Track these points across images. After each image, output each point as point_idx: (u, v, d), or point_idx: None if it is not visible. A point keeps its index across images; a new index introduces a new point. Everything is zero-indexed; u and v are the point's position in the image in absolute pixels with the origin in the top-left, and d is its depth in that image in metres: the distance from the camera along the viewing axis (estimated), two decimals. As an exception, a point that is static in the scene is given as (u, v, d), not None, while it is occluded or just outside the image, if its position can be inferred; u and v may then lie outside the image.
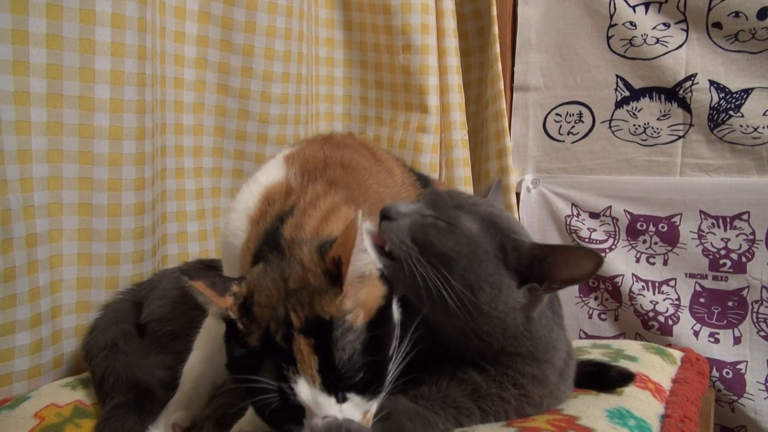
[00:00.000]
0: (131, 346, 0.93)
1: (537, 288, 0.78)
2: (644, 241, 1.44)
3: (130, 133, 1.10)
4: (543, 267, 0.77)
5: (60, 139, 1.05)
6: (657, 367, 1.08)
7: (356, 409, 0.65)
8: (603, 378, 0.97)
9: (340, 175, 0.84)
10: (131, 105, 1.09)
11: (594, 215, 1.50)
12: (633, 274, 1.44)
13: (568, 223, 1.52)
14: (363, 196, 0.82)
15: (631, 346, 1.16)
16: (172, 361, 0.93)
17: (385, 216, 0.78)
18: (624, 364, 1.04)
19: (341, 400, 0.64)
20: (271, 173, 0.85)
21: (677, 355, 1.18)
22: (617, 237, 1.47)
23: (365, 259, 0.69)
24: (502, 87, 1.55)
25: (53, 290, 1.09)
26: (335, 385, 0.63)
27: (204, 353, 0.90)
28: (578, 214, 1.51)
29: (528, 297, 0.78)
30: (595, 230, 1.49)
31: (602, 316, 1.49)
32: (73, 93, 1.04)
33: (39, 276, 1.05)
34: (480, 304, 0.76)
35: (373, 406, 0.68)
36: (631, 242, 1.46)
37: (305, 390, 0.62)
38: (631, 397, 0.93)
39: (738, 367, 1.32)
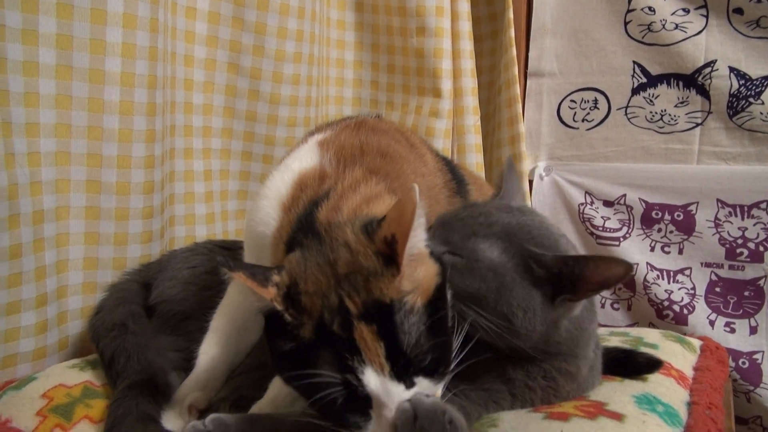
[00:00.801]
0: (141, 326, 0.90)
1: (571, 298, 0.75)
2: (659, 230, 1.42)
3: (140, 109, 1.07)
4: (572, 278, 0.73)
5: (69, 113, 1.01)
6: (678, 354, 1.06)
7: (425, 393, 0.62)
8: (630, 364, 0.95)
9: (379, 163, 0.80)
10: (142, 80, 1.06)
11: (608, 203, 1.48)
12: (648, 263, 1.42)
13: (581, 211, 1.50)
14: (402, 187, 0.78)
15: (651, 334, 1.14)
16: (184, 343, 0.90)
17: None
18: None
19: (410, 386, 0.61)
20: (304, 159, 0.80)
21: (696, 343, 1.16)
22: (632, 225, 1.45)
23: (421, 236, 0.65)
24: (517, 72, 1.53)
25: (59, 270, 1.06)
26: (405, 370, 0.60)
27: (220, 335, 0.88)
28: (592, 202, 1.49)
29: (564, 306, 0.76)
30: (609, 218, 1.47)
31: (615, 306, 1.47)
32: (83, 65, 1.00)
33: (45, 254, 1.02)
34: (516, 328, 0.73)
35: (440, 388, 0.65)
36: (646, 231, 1.44)
37: (374, 379, 0.58)
38: (657, 384, 0.91)
39: (754, 356, 1.30)
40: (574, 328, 0.79)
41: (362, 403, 0.60)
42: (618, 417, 0.77)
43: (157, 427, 0.73)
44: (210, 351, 0.88)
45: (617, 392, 0.85)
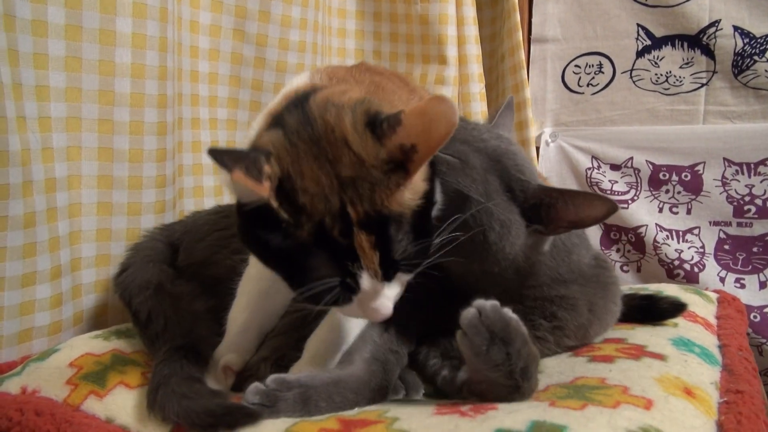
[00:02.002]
0: (178, 288, 0.88)
1: (542, 231, 0.76)
2: (667, 191, 1.44)
3: (152, 72, 1.03)
4: (550, 210, 0.74)
5: (79, 76, 0.98)
6: (699, 305, 1.08)
7: (399, 284, 0.65)
8: (654, 309, 0.95)
9: (373, 91, 0.75)
10: (153, 41, 1.03)
11: (615, 167, 1.49)
12: (656, 224, 1.43)
13: (588, 176, 1.51)
14: None
15: (669, 288, 1.15)
16: (218, 306, 0.88)
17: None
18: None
19: (390, 281, 0.63)
20: (296, 80, 0.78)
21: (713, 295, 1.18)
22: (639, 188, 1.46)
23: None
24: (521, 38, 1.52)
25: (72, 241, 1.03)
26: (393, 274, 0.62)
27: (249, 299, 0.86)
28: (599, 167, 1.50)
29: (534, 238, 0.76)
30: (616, 182, 1.48)
31: (624, 268, 1.49)
32: (93, 26, 0.96)
33: (58, 225, 0.99)
34: (489, 245, 0.73)
35: (411, 277, 0.66)
36: (654, 192, 1.45)
37: (367, 282, 0.61)
38: (687, 329, 0.92)
39: (765, 310, 1.33)
40: (549, 260, 0.79)
41: (346, 299, 0.62)
42: (660, 357, 0.77)
43: (203, 387, 0.71)
44: (240, 315, 0.86)
45: (653, 336, 0.86)
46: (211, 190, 1.32)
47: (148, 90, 1.04)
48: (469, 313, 0.64)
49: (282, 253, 0.61)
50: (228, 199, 1.37)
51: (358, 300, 0.63)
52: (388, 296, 0.64)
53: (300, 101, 0.65)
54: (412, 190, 0.61)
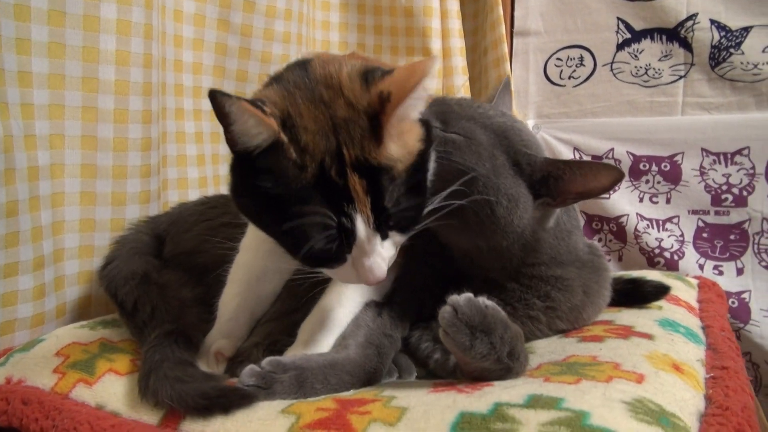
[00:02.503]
0: (165, 278, 0.87)
1: (550, 203, 0.77)
2: (647, 181, 1.46)
3: (137, 60, 1.02)
4: (558, 182, 0.75)
5: (62, 63, 0.96)
6: (682, 290, 1.10)
7: (393, 245, 0.67)
8: (638, 293, 0.97)
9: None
10: (138, 28, 1.01)
11: (597, 158, 1.51)
12: (637, 214, 1.46)
13: (570, 167, 1.52)
14: None
15: (652, 275, 1.17)
16: (206, 295, 0.87)
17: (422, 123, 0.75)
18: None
19: (384, 237, 0.66)
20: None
21: (693, 281, 1.21)
22: (620, 178, 1.49)
23: (418, 108, 0.66)
24: (503, 31, 1.54)
25: (55, 231, 1.01)
26: (384, 225, 0.64)
27: (240, 286, 0.86)
28: (580, 158, 1.52)
29: (541, 211, 0.78)
30: (598, 173, 1.50)
31: (607, 257, 1.51)
32: (77, 11, 0.95)
33: (41, 214, 0.97)
34: (497, 219, 0.74)
35: (405, 238, 0.69)
36: (634, 183, 1.48)
37: (362, 227, 0.62)
38: (671, 311, 0.94)
39: (742, 296, 1.36)
40: (552, 237, 0.81)
41: (342, 250, 0.64)
42: (648, 336, 0.79)
43: (196, 370, 0.71)
44: (231, 301, 0.86)
45: (640, 318, 0.88)
46: (195, 182, 1.30)
47: (133, 77, 1.02)
48: (445, 312, 0.64)
49: (281, 204, 0.62)
50: (213, 190, 1.36)
51: (352, 259, 0.64)
52: (383, 256, 0.66)
53: (303, 62, 0.69)
54: (400, 147, 0.63)
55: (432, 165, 0.71)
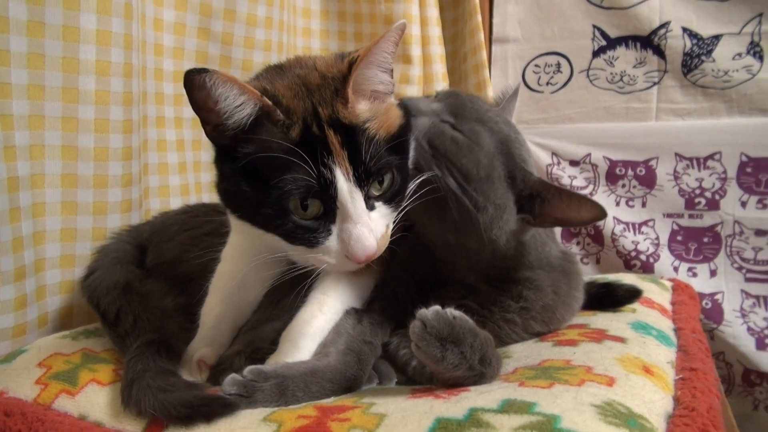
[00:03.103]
0: (147, 287, 0.87)
1: (530, 221, 0.79)
2: (623, 186, 1.50)
3: (117, 69, 1.02)
4: (543, 204, 0.78)
5: (42, 74, 0.96)
6: (656, 292, 1.13)
7: (382, 219, 0.72)
8: (611, 297, 1.00)
9: None
10: (118, 38, 1.02)
11: (574, 163, 1.54)
12: (614, 218, 1.49)
13: (549, 172, 1.55)
14: None
15: (627, 278, 1.20)
16: (188, 304, 0.88)
17: (402, 109, 0.77)
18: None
19: (371, 207, 0.71)
20: None
21: (668, 283, 1.24)
22: (597, 183, 1.52)
23: (381, 78, 0.73)
24: (482, 38, 1.56)
25: (36, 242, 1.01)
26: (366, 178, 0.69)
27: (222, 295, 0.87)
28: (559, 163, 1.55)
29: (518, 226, 0.80)
30: (575, 177, 1.53)
31: (584, 260, 1.54)
32: (56, 22, 0.95)
33: (22, 225, 0.97)
34: (479, 223, 0.76)
35: (391, 221, 0.74)
36: (611, 187, 1.51)
37: (342, 180, 0.67)
38: (644, 314, 0.97)
39: (715, 297, 1.40)
40: (524, 249, 0.83)
41: (327, 218, 0.69)
42: (621, 340, 0.81)
43: (179, 379, 0.71)
44: (214, 310, 0.87)
45: (613, 321, 0.90)
46: (177, 190, 1.31)
47: (114, 87, 1.03)
48: (415, 327, 0.65)
49: (266, 174, 0.67)
50: (195, 198, 1.36)
51: (338, 230, 0.69)
52: (370, 226, 0.69)
53: (277, 63, 0.79)
54: (372, 110, 0.71)
55: (413, 152, 0.78)
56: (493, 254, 0.80)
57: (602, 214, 0.75)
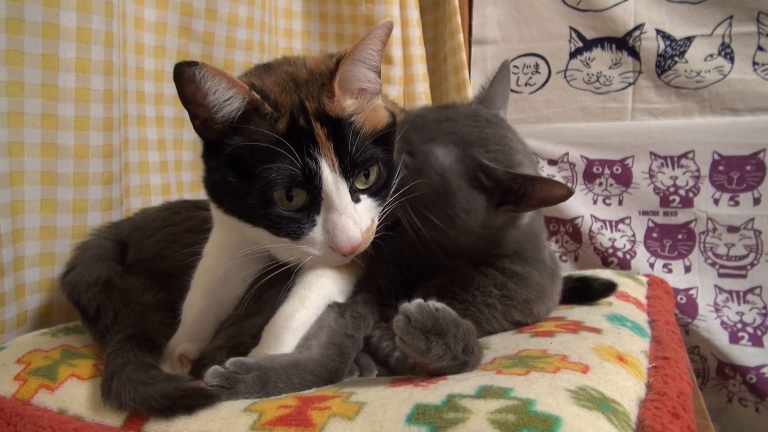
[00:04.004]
0: (127, 283, 0.87)
1: (514, 210, 0.81)
2: (600, 184, 1.53)
3: (97, 67, 1.02)
4: (518, 192, 0.79)
5: (21, 71, 0.96)
6: (631, 287, 1.15)
7: (367, 212, 0.74)
8: (587, 291, 1.02)
9: None
10: (99, 36, 1.02)
11: (553, 162, 1.57)
12: (591, 215, 1.52)
13: (528, 170, 1.57)
14: None
15: (604, 274, 1.22)
16: (169, 300, 0.88)
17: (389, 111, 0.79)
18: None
19: (356, 200, 0.73)
20: None
21: (643, 279, 1.26)
22: (575, 181, 1.55)
23: (367, 76, 0.75)
24: (462, 40, 1.58)
25: (15, 239, 1.00)
26: (351, 169, 0.71)
27: (204, 290, 0.88)
28: (537, 162, 1.57)
29: (507, 215, 0.81)
30: (554, 176, 1.55)
31: (563, 258, 1.57)
32: (35, 19, 0.95)
33: (0, 223, 0.96)
34: (456, 227, 0.79)
35: (377, 215, 0.76)
36: (588, 185, 1.54)
37: (327, 171, 0.69)
38: (620, 307, 0.99)
39: (690, 292, 1.43)
40: (522, 234, 0.85)
41: (312, 209, 0.71)
42: (596, 331, 0.83)
43: (159, 372, 0.72)
44: (195, 305, 0.87)
45: (590, 314, 0.92)
46: (158, 188, 1.31)
47: (94, 85, 1.02)
48: (399, 321, 0.66)
49: (253, 165, 0.68)
50: (176, 197, 1.36)
51: (323, 220, 0.70)
52: (355, 218, 0.70)
53: (265, 62, 0.81)
54: (357, 106, 0.73)
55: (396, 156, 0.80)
56: (487, 243, 0.82)
57: (570, 191, 0.77)
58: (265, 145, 0.67)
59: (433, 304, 0.69)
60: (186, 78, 0.66)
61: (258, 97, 0.69)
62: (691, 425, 0.60)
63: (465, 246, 0.82)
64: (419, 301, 0.68)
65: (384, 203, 0.77)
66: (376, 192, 0.75)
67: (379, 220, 0.77)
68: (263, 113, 0.69)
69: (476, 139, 0.83)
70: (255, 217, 0.71)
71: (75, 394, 0.72)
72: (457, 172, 0.80)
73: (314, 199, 0.70)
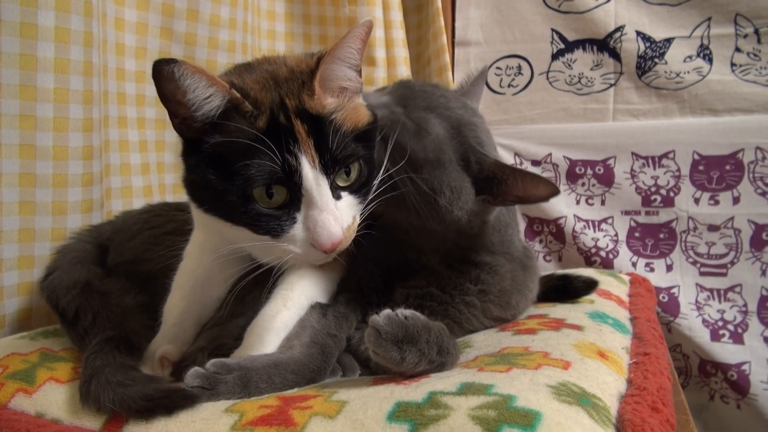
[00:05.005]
0: (107, 286, 0.86)
1: (490, 201, 0.81)
2: (583, 184, 1.54)
3: (77, 68, 1.01)
4: (501, 184, 0.79)
5: (-3, 71, 0.94)
6: (614, 285, 1.16)
7: (348, 209, 0.74)
8: (568, 289, 1.02)
9: None
10: (78, 36, 1.00)
11: (536, 162, 1.58)
12: (575, 215, 1.53)
13: (512, 171, 1.58)
14: None
15: (587, 272, 1.23)
16: (150, 302, 0.87)
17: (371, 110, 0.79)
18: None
19: (337, 197, 0.73)
20: None
21: (626, 277, 1.28)
22: (558, 182, 1.56)
23: (348, 74, 0.75)
24: (445, 41, 1.59)
25: (-8, 242, 0.99)
26: (332, 166, 0.71)
27: (185, 292, 0.87)
28: (521, 163, 1.58)
29: (480, 206, 0.82)
30: (537, 177, 1.56)
31: (547, 258, 1.58)
32: (13, 18, 0.94)
33: (-23, 225, 0.95)
34: (438, 206, 0.78)
35: (358, 213, 0.76)
36: (571, 186, 1.55)
37: (307, 168, 0.69)
38: (602, 305, 1.00)
39: (672, 291, 1.44)
40: (488, 230, 0.85)
41: (292, 206, 0.70)
42: (578, 328, 0.84)
43: (139, 374, 0.71)
44: (176, 306, 0.86)
45: (572, 311, 0.93)
46: (140, 191, 1.29)
47: (73, 85, 1.01)
48: (370, 335, 0.66)
49: (233, 162, 0.68)
50: (159, 199, 1.35)
51: (303, 217, 0.70)
52: (335, 215, 0.70)
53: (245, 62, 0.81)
54: (338, 103, 0.73)
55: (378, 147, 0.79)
56: (457, 234, 0.82)
57: (556, 190, 0.77)
58: (244, 141, 0.67)
59: (402, 312, 0.68)
60: (165, 76, 0.65)
61: (238, 95, 0.68)
62: (670, 419, 0.61)
63: (434, 231, 0.81)
64: (387, 312, 0.68)
65: (366, 201, 0.76)
66: (357, 189, 0.75)
67: (360, 218, 0.77)
68: (243, 111, 0.69)
69: (468, 122, 0.84)
70: (235, 215, 0.70)
71: (53, 397, 0.71)
72: (451, 147, 0.80)
73: (295, 197, 0.70)
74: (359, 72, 0.77)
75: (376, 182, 0.77)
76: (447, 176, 0.78)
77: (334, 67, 0.73)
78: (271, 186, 0.69)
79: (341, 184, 0.73)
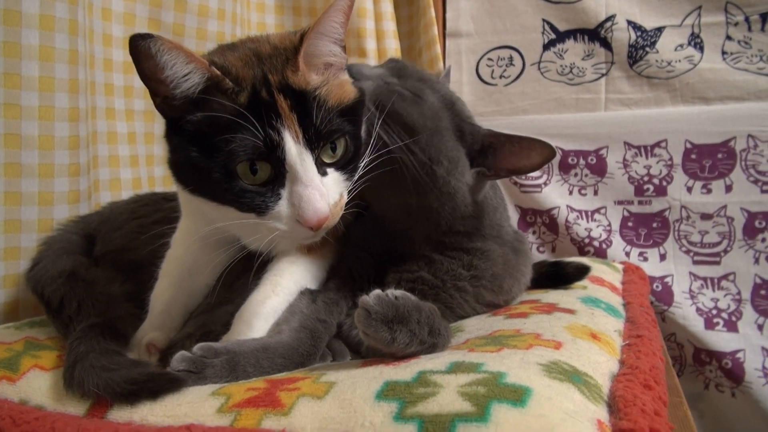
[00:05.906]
0: (93, 274, 0.85)
1: (485, 173, 0.81)
2: (576, 174, 1.53)
3: (62, 56, 1.00)
4: (495, 154, 0.79)
5: (-19, 59, 0.93)
6: (607, 272, 1.16)
7: (335, 185, 0.73)
8: (560, 275, 1.02)
9: None
10: (63, 24, 0.99)
11: (529, 154, 1.57)
12: (567, 206, 1.52)
13: (504, 162, 1.58)
14: None
15: (580, 260, 1.23)
16: (137, 291, 0.86)
17: (358, 88, 0.78)
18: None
19: (323, 173, 0.72)
20: None
21: (619, 266, 1.27)
22: (551, 172, 1.55)
23: (332, 49, 0.75)
24: (436, 33, 1.58)
25: (-23, 234, 0.97)
26: (316, 141, 0.70)
27: (172, 279, 0.86)
28: (513, 154, 1.57)
29: (474, 180, 0.81)
30: (530, 168, 1.56)
31: (541, 249, 1.57)
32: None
33: (-38, 216, 0.93)
34: (436, 177, 0.77)
35: (346, 190, 0.75)
36: (564, 176, 1.54)
37: (291, 142, 0.68)
38: (595, 290, 0.99)
39: (665, 280, 1.44)
40: (479, 210, 0.85)
41: (277, 182, 0.69)
42: (571, 311, 0.83)
43: (123, 359, 0.70)
44: (164, 294, 0.86)
45: (564, 296, 0.92)
46: (129, 183, 1.28)
47: (58, 74, 1.00)
48: (360, 315, 0.65)
49: (216, 139, 0.67)
50: (147, 191, 1.33)
51: (288, 193, 0.69)
52: (321, 191, 0.69)
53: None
54: (322, 79, 0.73)
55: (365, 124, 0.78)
56: (452, 214, 0.81)
57: (552, 152, 0.77)
58: (226, 117, 0.66)
59: (392, 292, 0.67)
60: (142, 51, 0.64)
61: (218, 72, 0.67)
62: (663, 396, 0.60)
63: (430, 208, 0.80)
64: (377, 292, 0.67)
65: (353, 178, 0.75)
66: (344, 166, 0.74)
67: (349, 195, 0.76)
68: (224, 88, 0.68)
69: (457, 98, 0.85)
70: (219, 192, 0.70)
71: (37, 384, 0.70)
72: (446, 117, 0.80)
73: (279, 172, 0.69)
74: (343, 47, 0.77)
75: (366, 158, 0.76)
76: (444, 145, 0.78)
77: (318, 42, 0.73)
78: (254, 162, 0.68)
79: (327, 160, 0.73)
